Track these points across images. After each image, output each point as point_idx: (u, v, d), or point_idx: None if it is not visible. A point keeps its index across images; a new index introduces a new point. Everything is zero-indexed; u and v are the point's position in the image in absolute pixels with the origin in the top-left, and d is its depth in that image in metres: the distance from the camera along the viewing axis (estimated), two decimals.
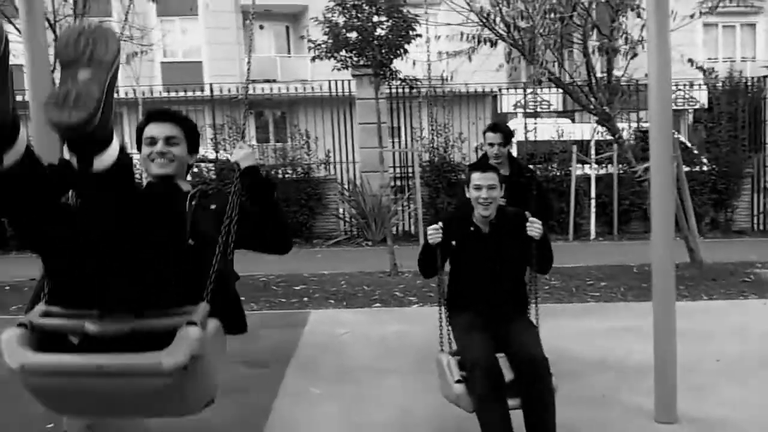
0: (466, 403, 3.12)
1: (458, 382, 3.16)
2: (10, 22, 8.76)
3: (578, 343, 5.18)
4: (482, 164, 3.67)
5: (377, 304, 6.93)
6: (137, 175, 2.65)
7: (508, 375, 3.17)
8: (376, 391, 4.30)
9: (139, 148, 2.61)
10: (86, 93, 1.75)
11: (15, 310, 7.06)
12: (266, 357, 5.08)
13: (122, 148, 1.90)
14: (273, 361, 4.95)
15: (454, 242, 3.51)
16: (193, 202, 2.46)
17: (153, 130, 2.54)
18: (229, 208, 2.26)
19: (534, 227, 3.41)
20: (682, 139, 12.86)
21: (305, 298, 7.24)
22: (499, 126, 4.79)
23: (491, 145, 4.67)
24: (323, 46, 8.55)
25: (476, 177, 3.47)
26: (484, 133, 4.78)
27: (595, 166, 12.35)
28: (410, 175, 13.18)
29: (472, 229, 3.54)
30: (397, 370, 4.69)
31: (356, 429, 3.70)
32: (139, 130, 2.60)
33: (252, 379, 4.59)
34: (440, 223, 3.46)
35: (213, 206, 2.44)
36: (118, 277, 1.94)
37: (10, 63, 1.81)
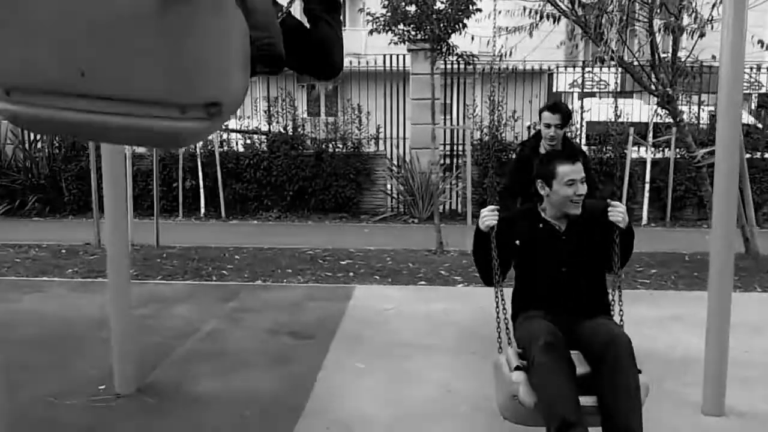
0: (528, 395, 2.58)
1: (517, 369, 2.68)
2: None
3: (629, 331, 5.10)
4: (567, 153, 3.15)
5: (422, 282, 6.95)
6: None
7: (581, 369, 2.68)
8: (419, 367, 4.34)
9: None
10: None
11: (71, 273, 7.35)
12: (311, 329, 5.17)
13: None
14: (318, 334, 5.04)
15: (518, 241, 3.09)
16: None
17: None
18: None
19: (617, 211, 2.93)
20: (749, 120, 12.38)
21: (351, 273, 7.31)
22: (559, 106, 4.61)
23: (548, 126, 4.50)
24: (381, 19, 8.49)
25: (567, 170, 2.95)
26: (541, 111, 4.61)
27: (652, 149, 12.03)
28: (460, 153, 13.10)
29: (541, 226, 3.08)
30: (441, 348, 4.72)
31: (398, 404, 3.75)
32: None
33: (297, 350, 4.69)
34: (497, 207, 3.04)
35: None
36: None
37: None
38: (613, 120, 12.55)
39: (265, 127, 13.08)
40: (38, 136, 13.23)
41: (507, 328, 2.96)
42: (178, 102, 1.52)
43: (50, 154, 13.02)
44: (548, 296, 3.01)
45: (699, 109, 12.37)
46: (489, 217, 2.98)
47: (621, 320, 2.94)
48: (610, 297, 3.06)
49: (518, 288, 3.18)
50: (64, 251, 8.55)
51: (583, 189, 2.96)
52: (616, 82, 14.23)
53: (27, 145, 13.24)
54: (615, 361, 2.56)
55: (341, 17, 2.27)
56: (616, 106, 12.64)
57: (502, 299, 3.01)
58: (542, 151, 4.55)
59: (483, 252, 3.05)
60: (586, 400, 2.56)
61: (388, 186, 13.01)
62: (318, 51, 2.14)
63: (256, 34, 1.68)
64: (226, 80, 1.60)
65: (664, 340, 4.89)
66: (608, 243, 2.94)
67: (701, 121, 12.38)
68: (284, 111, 12.85)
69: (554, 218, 3.07)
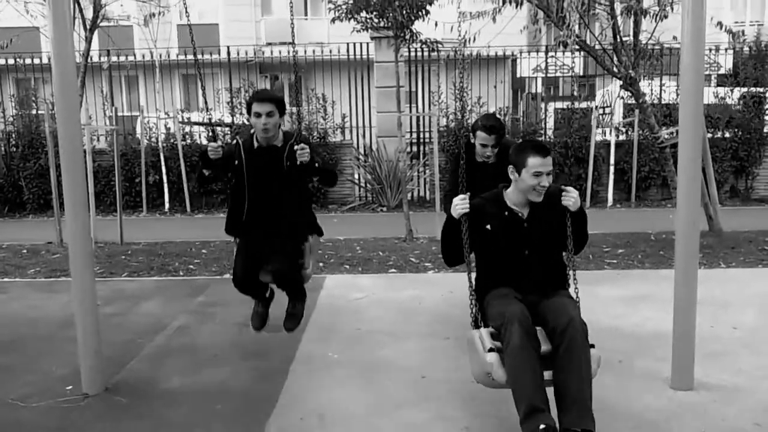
0: (500, 374, 2.82)
1: (491, 350, 2.88)
2: None
3: (594, 310, 5.17)
4: (538, 144, 3.23)
5: (392, 270, 6.94)
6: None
7: (545, 347, 2.94)
8: (392, 355, 4.33)
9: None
10: None
11: (33, 272, 7.17)
12: (281, 321, 5.11)
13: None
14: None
15: (488, 226, 3.24)
16: (287, 148, 4.01)
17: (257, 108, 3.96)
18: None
19: (569, 196, 3.15)
20: (710, 100, 12.62)
21: (321, 264, 7.27)
22: (495, 127, 4.28)
23: (484, 146, 4.30)
24: (343, 7, 8.41)
25: (536, 163, 3.11)
26: (474, 130, 4.34)
27: (615, 131, 12.19)
28: (427, 140, 13.11)
29: (506, 213, 3.27)
30: (413, 335, 4.72)
31: (372, 392, 3.73)
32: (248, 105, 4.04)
33: (268, 343, 4.63)
34: (468, 194, 3.18)
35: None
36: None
37: None
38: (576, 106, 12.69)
39: (228, 119, 12.92)
40: None
41: (476, 306, 3.19)
42: None
43: (7, 152, 12.68)
44: (512, 276, 3.25)
45: (660, 90, 12.56)
46: (461, 205, 3.14)
47: (576, 296, 3.19)
48: (569, 272, 3.32)
49: (482, 270, 3.38)
50: (25, 251, 8.34)
51: (547, 181, 3.13)
52: (579, 66, 14.37)
53: None
54: (570, 343, 2.84)
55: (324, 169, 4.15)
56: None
57: (473, 279, 3.26)
58: (478, 159, 4.41)
59: (453, 237, 3.23)
60: (547, 374, 2.87)
61: (356, 175, 12.97)
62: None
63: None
64: None
65: (632, 319, 4.95)
66: (564, 226, 3.18)
67: (663, 102, 12.58)
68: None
69: (518, 205, 3.28)
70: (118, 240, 8.79)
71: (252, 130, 4.07)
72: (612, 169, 12.14)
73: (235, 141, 4.15)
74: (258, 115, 3.94)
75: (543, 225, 3.25)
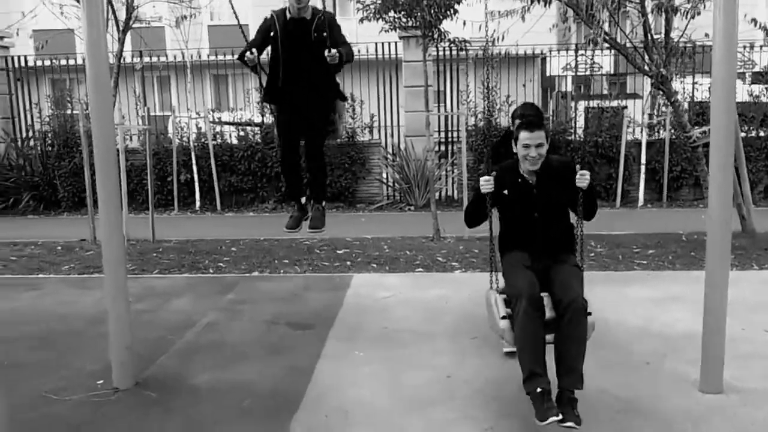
0: (510, 338, 3.36)
1: (503, 318, 3.42)
2: None
3: (623, 311, 5.12)
4: (530, 122, 3.67)
5: (419, 269, 6.95)
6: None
7: (549, 314, 3.37)
8: (418, 354, 4.34)
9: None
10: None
11: (67, 269, 7.33)
12: (310, 319, 5.17)
13: None
14: (316, 324, 5.04)
15: (506, 191, 3.72)
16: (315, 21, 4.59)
17: None
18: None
19: (583, 178, 3.56)
20: (744, 98, 12.37)
21: (348, 262, 7.30)
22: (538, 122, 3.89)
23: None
24: (372, 6, 8.42)
25: (524, 136, 3.61)
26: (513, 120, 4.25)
27: (647, 130, 12.01)
28: (455, 139, 13.07)
29: (519, 180, 3.73)
30: (439, 334, 4.72)
31: (398, 391, 3.75)
32: None
33: (296, 340, 4.69)
34: (493, 173, 3.70)
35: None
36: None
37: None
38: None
39: (258, 119, 13.03)
40: (30, 133, 13.17)
41: (495, 266, 3.81)
42: None
43: (43, 151, 12.97)
44: (525, 237, 3.73)
45: (693, 88, 12.35)
46: (487, 185, 3.67)
47: (581, 260, 3.71)
48: (577, 239, 3.76)
49: (503, 231, 3.89)
50: (59, 248, 8.52)
51: (534, 152, 3.59)
52: (610, 65, 14.20)
53: (20, 143, 13.18)
54: (571, 317, 3.26)
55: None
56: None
57: (493, 244, 3.85)
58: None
59: (479, 207, 3.80)
60: (549, 337, 3.30)
61: (384, 174, 12.99)
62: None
63: None
64: None
65: (661, 320, 4.89)
66: (574, 197, 3.61)
67: (696, 101, 12.37)
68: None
69: (528, 173, 3.72)
70: (150, 237, 8.93)
71: (285, 6, 4.67)
72: (643, 168, 11.97)
73: (270, 14, 4.72)
74: None
75: (551, 191, 3.69)
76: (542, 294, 3.40)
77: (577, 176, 3.57)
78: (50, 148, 12.90)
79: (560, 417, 2.98)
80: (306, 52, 4.59)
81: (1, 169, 12.81)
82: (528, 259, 3.64)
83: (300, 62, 4.62)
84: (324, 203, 5.06)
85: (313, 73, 4.63)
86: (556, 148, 4.39)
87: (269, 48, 4.70)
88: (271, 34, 4.62)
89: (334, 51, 4.43)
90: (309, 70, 4.62)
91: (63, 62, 13.51)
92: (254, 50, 4.54)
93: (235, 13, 4.92)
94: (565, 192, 3.64)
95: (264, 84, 4.84)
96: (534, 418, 3.05)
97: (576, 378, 3.20)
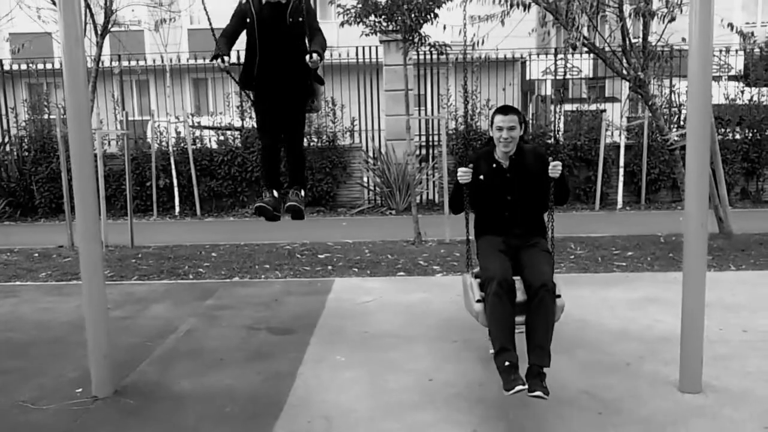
0: (483, 320, 3.61)
1: (478, 301, 3.67)
2: None
3: (603, 313, 5.16)
4: (503, 107, 3.97)
5: (401, 273, 6.95)
6: None
7: (521, 297, 3.60)
8: (400, 358, 4.33)
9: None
10: None
11: (44, 276, 7.23)
12: (291, 324, 5.14)
13: None
14: (297, 328, 5.01)
15: (482, 176, 3.97)
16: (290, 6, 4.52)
17: None
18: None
19: (556, 169, 3.81)
20: (720, 101, 12.55)
21: (329, 266, 7.29)
22: (510, 107, 4.11)
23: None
24: (352, 10, 8.43)
25: (498, 119, 3.90)
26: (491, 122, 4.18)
27: (625, 133, 12.13)
28: (436, 143, 13.11)
29: (494, 165, 3.99)
30: (421, 338, 4.72)
31: (380, 395, 3.74)
32: None
33: (277, 345, 4.66)
34: (471, 165, 3.95)
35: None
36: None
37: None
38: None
39: (238, 123, 12.97)
40: (6, 139, 12.99)
41: (470, 252, 4.10)
42: None
43: (20, 156, 12.79)
44: (499, 220, 3.98)
45: (671, 92, 12.50)
46: (464, 176, 3.92)
47: (552, 244, 3.98)
48: (546, 222, 4.06)
49: (478, 216, 4.14)
50: (36, 255, 8.41)
51: (507, 133, 3.85)
52: (589, 68, 14.31)
53: None
54: (540, 300, 3.50)
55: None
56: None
57: (468, 230, 4.10)
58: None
59: (458, 195, 4.06)
60: (520, 319, 3.54)
61: (365, 178, 12.99)
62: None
63: None
64: None
65: (641, 322, 4.93)
66: (546, 186, 3.89)
67: (673, 104, 12.53)
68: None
69: (502, 158, 3.98)
70: (129, 243, 8.85)
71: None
72: (621, 171, 12.09)
73: (245, 0, 4.63)
74: None
75: (523, 175, 3.94)
76: (514, 278, 3.63)
77: (550, 167, 3.82)
78: (27, 154, 12.73)
79: (526, 386, 3.18)
80: (282, 36, 4.56)
81: None
82: (501, 243, 3.88)
83: (276, 47, 4.57)
84: (303, 191, 4.99)
85: (289, 58, 4.58)
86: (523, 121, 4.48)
87: (245, 33, 4.66)
88: (247, 20, 4.57)
89: (315, 56, 4.40)
90: (285, 55, 4.58)
91: (40, 66, 13.36)
92: (225, 58, 4.51)
93: (208, 17, 4.84)
94: (538, 178, 3.90)
95: (239, 74, 4.80)
96: (502, 389, 3.23)
97: (544, 355, 3.40)
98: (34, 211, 12.60)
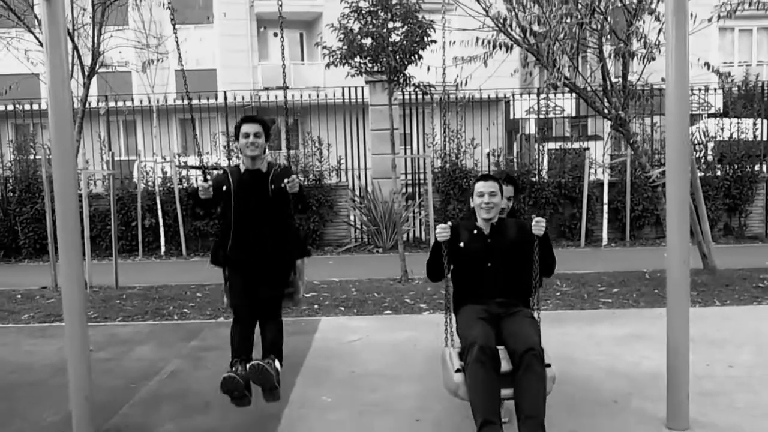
0: (464, 393, 3.29)
1: (458, 371, 3.35)
2: (31, 32, 8.90)
3: (589, 350, 5.16)
4: (485, 175, 3.91)
5: (388, 311, 6.92)
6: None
7: (506, 366, 3.33)
8: (387, 398, 4.29)
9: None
10: None
11: (27, 318, 7.14)
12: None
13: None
14: (283, 369, 4.95)
15: (461, 243, 3.79)
16: (271, 173, 4.10)
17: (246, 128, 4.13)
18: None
19: (539, 225, 3.63)
20: (701, 139, 12.79)
21: (315, 305, 7.25)
22: (491, 175, 4.02)
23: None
24: (338, 52, 8.56)
25: (479, 185, 3.80)
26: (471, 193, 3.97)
27: (609, 171, 12.29)
28: (422, 181, 13.20)
29: (475, 232, 3.84)
30: (408, 377, 4.69)
31: None
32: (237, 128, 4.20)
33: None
34: (449, 222, 3.76)
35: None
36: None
37: None
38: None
39: (225, 163, 13.01)
40: None
41: (450, 323, 3.72)
42: None
43: (4, 196, 12.71)
44: (479, 288, 3.77)
45: (652, 130, 12.71)
46: (442, 233, 3.70)
47: (538, 316, 3.69)
48: (532, 296, 3.83)
49: (457, 286, 3.90)
50: (19, 296, 8.31)
51: (488, 199, 3.73)
52: (571, 107, 14.55)
53: None
54: (526, 368, 3.25)
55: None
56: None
57: (448, 297, 3.81)
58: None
59: (437, 257, 3.78)
60: (506, 393, 3.28)
61: (351, 217, 13.01)
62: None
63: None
64: None
65: (627, 358, 4.93)
66: (529, 249, 3.67)
67: (654, 142, 12.73)
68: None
69: (483, 225, 3.83)
70: (113, 284, 8.76)
71: (238, 161, 4.27)
72: (606, 208, 12.21)
73: (223, 171, 4.29)
74: (246, 135, 4.10)
75: (505, 242, 3.79)
76: (498, 347, 3.38)
77: (534, 222, 3.64)
78: (11, 194, 12.66)
79: None
80: (262, 207, 4.08)
81: None
82: (483, 311, 3.64)
83: (255, 217, 4.08)
84: (279, 362, 4.06)
85: (270, 228, 4.08)
86: (518, 190, 4.49)
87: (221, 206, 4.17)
88: (223, 188, 4.10)
89: (293, 177, 3.94)
90: (264, 226, 4.08)
91: (27, 107, 13.38)
92: (206, 180, 4.12)
93: (179, 57, 4.73)
94: (519, 246, 3.73)
95: (212, 246, 4.34)
96: None
97: (536, 427, 3.13)
98: (18, 251, 12.48)
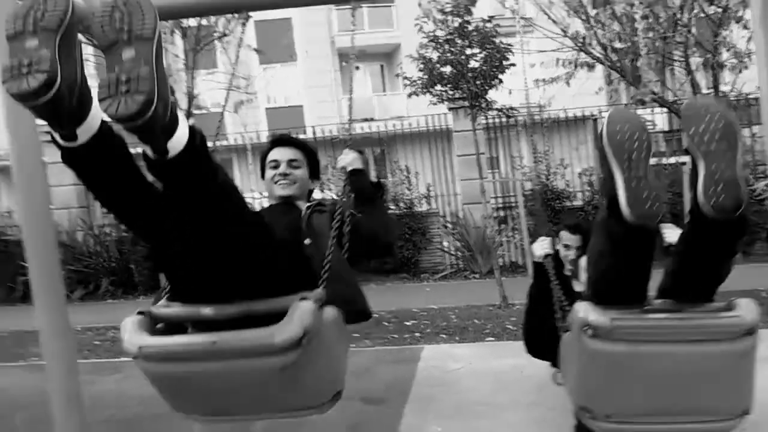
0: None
1: None
2: None
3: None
4: (569, 224, 3.57)
5: (490, 338, 6.91)
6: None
7: None
8: (495, 426, 4.30)
9: (263, 176, 2.77)
10: (136, 74, 1.56)
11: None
12: (383, 394, 5.19)
13: (191, 127, 1.82)
14: (390, 398, 5.06)
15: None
16: (309, 210, 2.49)
17: (276, 154, 2.70)
18: (339, 205, 2.31)
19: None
20: None
21: (417, 333, 7.33)
22: (579, 225, 3.61)
23: (566, 246, 3.59)
24: (418, 82, 8.73)
25: (564, 236, 3.51)
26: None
27: None
28: (513, 204, 13.11)
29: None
30: (515, 405, 4.68)
31: None
32: (264, 156, 2.76)
33: (370, 415, 4.71)
34: (550, 237, 3.31)
35: (326, 210, 2.48)
36: (224, 268, 1.96)
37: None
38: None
39: (319, 195, 13.37)
40: (106, 221, 13.81)
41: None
42: None
43: (119, 237, 13.53)
44: None
45: (752, 140, 12.16)
46: (540, 246, 3.14)
47: None
48: None
49: None
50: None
51: (568, 251, 3.43)
52: (663, 122, 14.12)
53: (96, 231, 13.81)
54: None
55: (381, 195, 2.60)
56: None
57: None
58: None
59: (541, 297, 3.02)
60: None
61: (445, 243, 13.05)
62: (368, 242, 2.38)
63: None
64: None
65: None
66: None
67: (756, 153, 12.16)
68: (335, 177, 13.16)
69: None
70: None
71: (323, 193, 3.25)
72: None
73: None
74: (275, 164, 2.71)
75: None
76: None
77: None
78: (125, 235, 13.46)
79: None
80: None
81: (81, 256, 13.41)
82: None
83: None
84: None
85: None
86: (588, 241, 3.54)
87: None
88: None
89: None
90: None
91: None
92: None
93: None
94: None
95: None
96: None
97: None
98: (134, 288, 13.23)
